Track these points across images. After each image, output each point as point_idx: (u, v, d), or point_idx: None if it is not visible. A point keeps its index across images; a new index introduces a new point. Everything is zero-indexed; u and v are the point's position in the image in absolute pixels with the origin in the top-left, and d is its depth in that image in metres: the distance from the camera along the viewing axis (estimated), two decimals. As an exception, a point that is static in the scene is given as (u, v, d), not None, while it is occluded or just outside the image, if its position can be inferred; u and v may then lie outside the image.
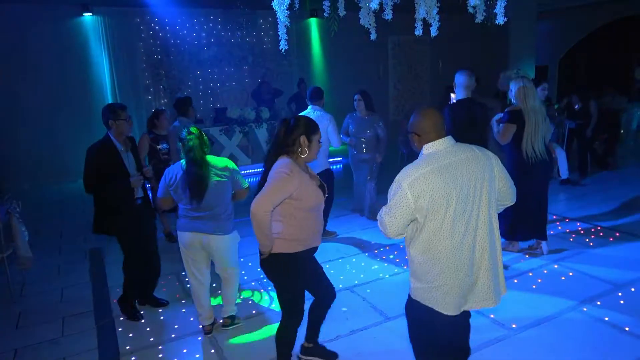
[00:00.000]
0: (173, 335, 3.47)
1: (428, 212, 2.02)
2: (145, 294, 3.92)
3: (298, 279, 2.69)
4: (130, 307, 3.75)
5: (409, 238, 2.16)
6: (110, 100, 9.22)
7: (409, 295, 2.26)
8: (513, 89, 4.23)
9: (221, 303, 3.61)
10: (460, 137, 3.72)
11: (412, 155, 6.84)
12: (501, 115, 4.29)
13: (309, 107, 5.05)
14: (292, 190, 2.48)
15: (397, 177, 2.09)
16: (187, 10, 9.51)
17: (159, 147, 5.07)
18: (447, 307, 2.11)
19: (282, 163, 2.52)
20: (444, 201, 2.01)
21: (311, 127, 2.58)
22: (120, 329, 3.58)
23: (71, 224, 6.42)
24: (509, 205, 2.30)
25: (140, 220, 3.66)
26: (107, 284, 4.39)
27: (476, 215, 2.08)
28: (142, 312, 3.77)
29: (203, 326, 3.46)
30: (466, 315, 2.26)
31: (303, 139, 2.56)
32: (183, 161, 3.17)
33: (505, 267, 4.06)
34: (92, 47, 9.11)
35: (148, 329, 3.59)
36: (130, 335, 3.49)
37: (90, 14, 8.85)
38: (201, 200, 3.11)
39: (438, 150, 2.11)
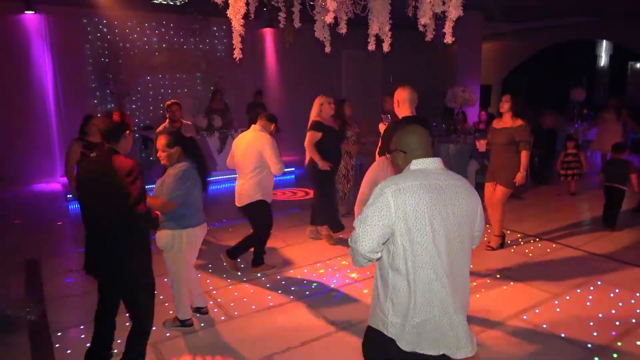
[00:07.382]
0: (115, 351, 3.31)
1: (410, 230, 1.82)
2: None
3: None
4: None
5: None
6: (52, 104, 8.79)
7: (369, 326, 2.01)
8: None
9: None
10: None
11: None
12: None
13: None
14: None
15: (379, 186, 1.89)
16: (138, 13, 9.25)
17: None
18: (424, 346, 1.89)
19: None
20: (428, 222, 1.81)
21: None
22: (57, 345, 3.37)
23: None
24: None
25: None
26: (44, 298, 4.13)
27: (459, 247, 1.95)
28: None
29: (186, 320, 3.58)
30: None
31: None
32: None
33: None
34: (33, 47, 8.64)
35: (89, 344, 3.38)
36: (69, 351, 3.29)
37: (33, 12, 8.40)
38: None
39: (427, 168, 1.92)
